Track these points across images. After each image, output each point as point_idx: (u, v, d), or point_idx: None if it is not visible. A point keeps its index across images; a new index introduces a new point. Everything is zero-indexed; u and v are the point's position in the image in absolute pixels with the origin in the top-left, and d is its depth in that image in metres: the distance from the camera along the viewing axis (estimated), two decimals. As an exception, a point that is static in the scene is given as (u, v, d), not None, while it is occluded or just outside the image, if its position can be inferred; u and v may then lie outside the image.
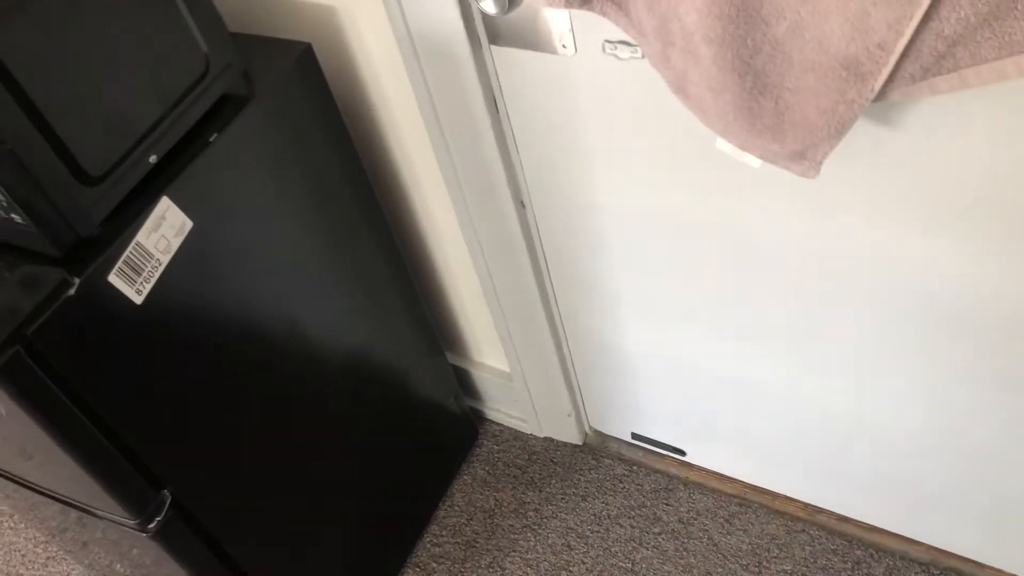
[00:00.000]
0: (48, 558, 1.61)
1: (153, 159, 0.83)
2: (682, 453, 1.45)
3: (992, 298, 0.85)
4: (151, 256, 0.84)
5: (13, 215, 0.75)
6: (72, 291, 0.77)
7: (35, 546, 1.63)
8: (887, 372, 1.02)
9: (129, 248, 0.81)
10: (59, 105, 0.73)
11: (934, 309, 0.90)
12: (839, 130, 0.66)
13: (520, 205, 1.11)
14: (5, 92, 0.69)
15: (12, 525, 1.67)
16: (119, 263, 0.81)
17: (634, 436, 1.49)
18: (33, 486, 1.05)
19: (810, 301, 0.99)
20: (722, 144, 0.76)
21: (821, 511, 1.36)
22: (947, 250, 0.83)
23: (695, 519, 1.40)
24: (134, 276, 0.82)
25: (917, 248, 0.85)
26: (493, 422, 1.60)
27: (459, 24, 0.90)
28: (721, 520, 1.39)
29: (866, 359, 1.02)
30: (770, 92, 0.66)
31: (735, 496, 1.41)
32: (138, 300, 0.83)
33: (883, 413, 1.09)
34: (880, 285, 0.92)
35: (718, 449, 1.38)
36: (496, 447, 1.57)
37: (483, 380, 1.52)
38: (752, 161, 0.76)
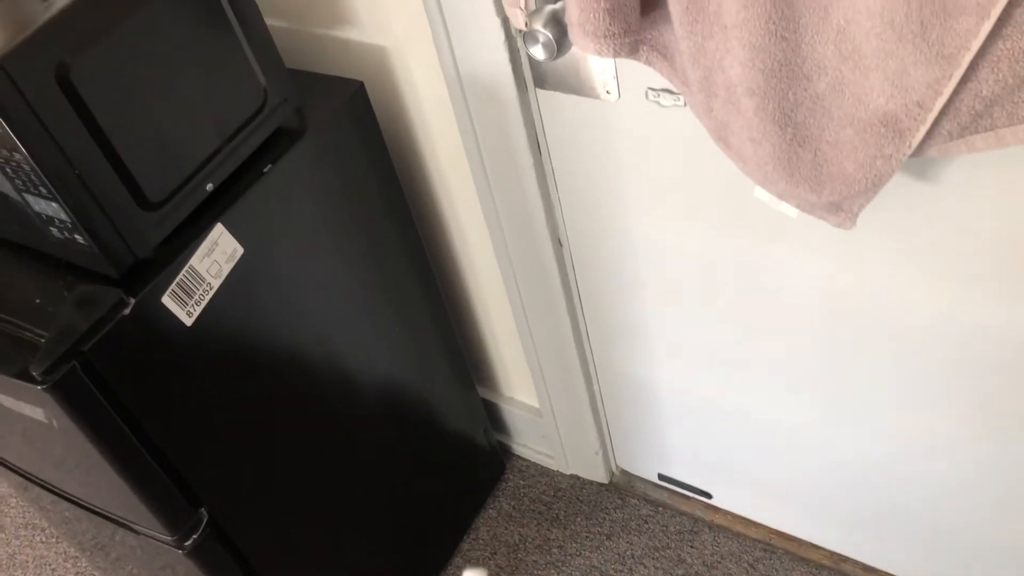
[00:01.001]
0: (77, 573, 1.63)
1: (210, 187, 0.87)
2: (708, 496, 1.45)
3: (1025, 353, 0.86)
4: (203, 280, 0.87)
5: (76, 236, 0.78)
6: (127, 311, 0.81)
7: (65, 560, 1.66)
8: (918, 420, 1.02)
9: (183, 272, 0.84)
10: (126, 133, 0.77)
11: (967, 359, 0.91)
12: (876, 184, 0.68)
13: (557, 243, 1.14)
14: (77, 120, 0.73)
15: (44, 539, 1.70)
16: (173, 285, 0.84)
17: (661, 477, 1.49)
18: (72, 498, 1.08)
19: (842, 347, 1.00)
20: (760, 193, 0.78)
21: (846, 560, 1.35)
22: (982, 302, 0.84)
23: (719, 563, 1.40)
24: (186, 299, 0.85)
25: (952, 299, 0.86)
26: (520, 457, 1.61)
27: (507, 67, 0.93)
28: (745, 565, 1.39)
29: (897, 407, 1.03)
30: (809, 144, 0.68)
31: (760, 541, 1.41)
32: (188, 322, 0.86)
33: (913, 461, 1.09)
34: (913, 334, 0.92)
35: (745, 493, 1.38)
36: (522, 482, 1.57)
37: (512, 415, 1.54)
38: (789, 210, 0.77)
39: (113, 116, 0.76)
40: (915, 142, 0.63)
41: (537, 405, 1.49)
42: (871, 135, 0.65)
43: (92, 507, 1.05)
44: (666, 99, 0.87)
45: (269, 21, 1.08)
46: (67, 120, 0.73)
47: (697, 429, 1.31)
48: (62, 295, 0.83)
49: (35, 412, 0.83)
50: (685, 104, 0.85)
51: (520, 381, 1.47)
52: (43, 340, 0.79)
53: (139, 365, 0.84)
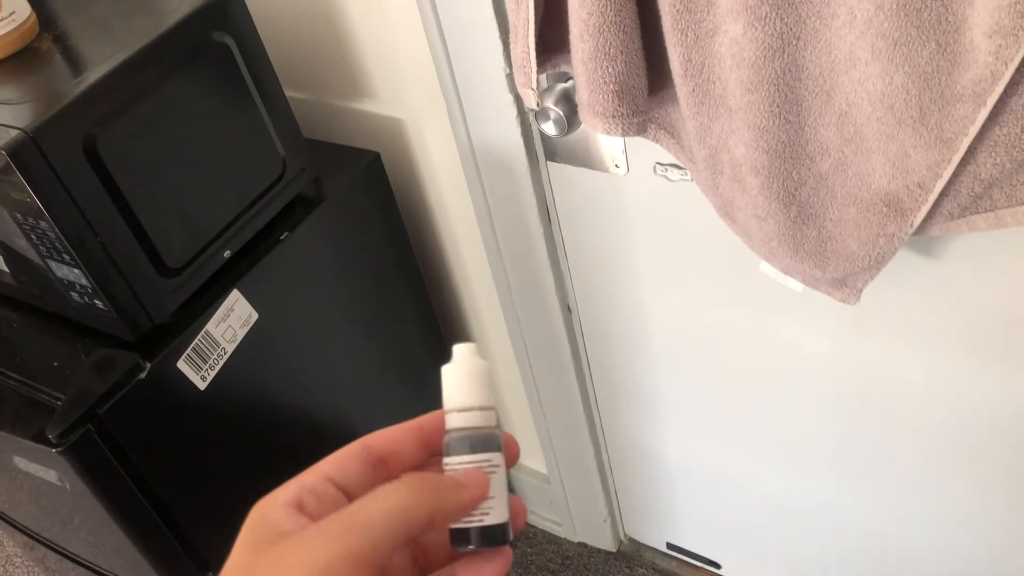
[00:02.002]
0: (79, 635, 1.62)
1: (227, 254, 0.89)
2: (717, 566, 1.43)
3: (1033, 428, 0.86)
4: (218, 345, 0.88)
5: (96, 301, 0.80)
6: (143, 375, 0.82)
7: (68, 622, 1.64)
8: (928, 496, 1.02)
9: (199, 337, 0.86)
10: (148, 202, 0.80)
11: (978, 435, 0.91)
12: (879, 261, 0.69)
13: (567, 310, 1.15)
14: (102, 189, 0.76)
15: (47, 599, 1.69)
16: (188, 350, 0.85)
17: (669, 546, 1.48)
18: (78, 559, 1.08)
19: (852, 421, 1.00)
20: (766, 267, 0.80)
21: (859, 636, 1.33)
22: (990, 379, 0.85)
23: (729, 636, 1.37)
24: (200, 363, 0.87)
25: (959, 375, 0.87)
26: (527, 524, 1.60)
27: (519, 141, 0.95)
28: (756, 639, 1.36)
29: (907, 480, 1.02)
30: (813, 222, 0.69)
31: (771, 615, 1.38)
32: (202, 386, 0.88)
33: (925, 534, 1.08)
34: (922, 409, 0.93)
35: (754, 564, 1.36)
36: (529, 549, 1.56)
37: (519, 480, 1.53)
38: (795, 285, 0.79)
39: (137, 186, 0.78)
40: (917, 221, 0.65)
41: (545, 471, 1.49)
42: (874, 214, 0.66)
43: (98, 568, 1.05)
44: (674, 173, 0.89)
45: (289, 93, 1.12)
46: (92, 190, 0.75)
47: (706, 498, 1.31)
48: (79, 358, 0.85)
49: (48, 474, 0.84)
50: (692, 179, 0.87)
51: (528, 446, 1.47)
52: (59, 403, 0.80)
53: (152, 428, 0.85)
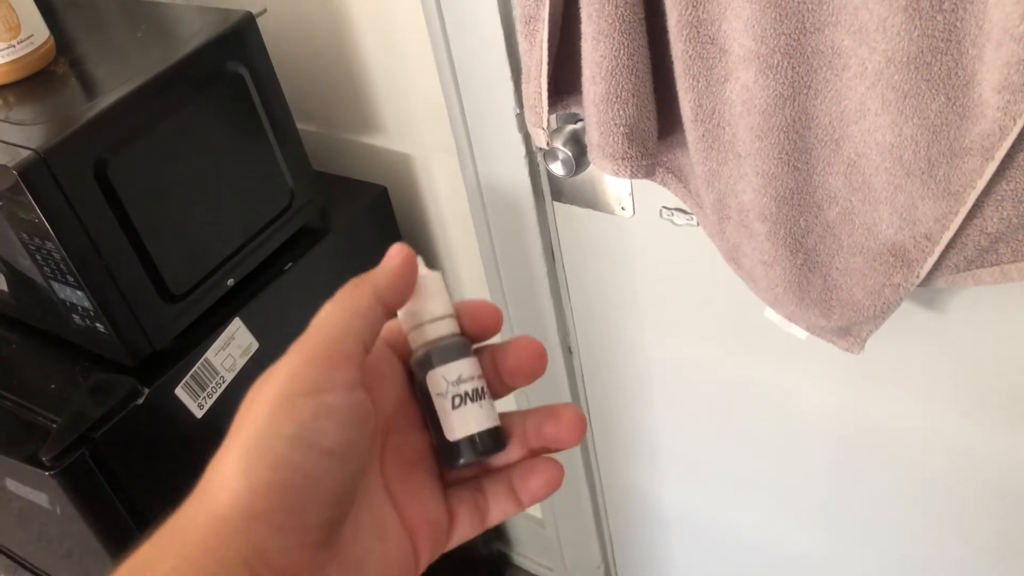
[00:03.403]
0: (59, 666, 1.58)
1: (231, 282, 0.89)
2: (711, 618, 1.41)
3: (1035, 486, 0.85)
4: (216, 373, 0.88)
5: (97, 324, 0.80)
6: (141, 400, 0.81)
7: (48, 652, 1.61)
8: (928, 552, 1.01)
9: (198, 364, 0.86)
10: (155, 228, 0.80)
11: (978, 492, 0.90)
12: (884, 311, 0.69)
13: (567, 351, 1.15)
14: (110, 213, 0.76)
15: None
16: (187, 377, 0.85)
17: (663, 595, 1.45)
18: (64, 588, 1.06)
19: (852, 471, 0.99)
20: (771, 313, 0.80)
21: None
22: (992, 434, 0.84)
23: None
24: (199, 391, 0.86)
25: (961, 430, 0.86)
26: (520, 568, 1.58)
27: (526, 181, 0.96)
28: None
29: (907, 535, 1.01)
30: (819, 270, 0.69)
31: (764, 670, 1.36)
32: (199, 414, 0.87)
33: (922, 595, 1.06)
34: (920, 463, 0.92)
35: (749, 617, 1.34)
36: (521, 594, 1.54)
37: (513, 524, 1.52)
38: (799, 332, 0.78)
39: (144, 211, 0.79)
40: (923, 273, 0.65)
41: (540, 515, 1.47)
42: (880, 264, 0.66)
43: (83, 598, 1.03)
44: (680, 218, 0.89)
45: (300, 125, 1.13)
46: (100, 213, 0.75)
47: (702, 547, 1.29)
48: (77, 381, 0.84)
49: (39, 497, 0.83)
50: (698, 224, 0.87)
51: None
52: (55, 426, 0.80)
53: (147, 455, 0.84)
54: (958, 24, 0.53)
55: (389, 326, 0.37)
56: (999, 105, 0.54)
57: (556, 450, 0.38)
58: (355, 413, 0.32)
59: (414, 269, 0.36)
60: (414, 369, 0.37)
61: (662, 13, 0.65)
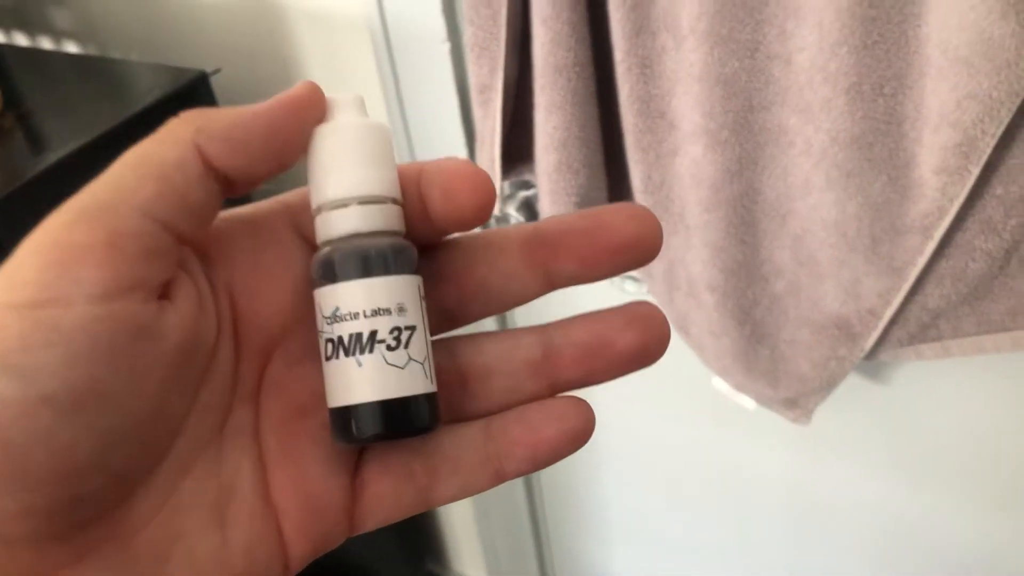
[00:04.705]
0: None
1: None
2: None
3: (991, 558, 0.86)
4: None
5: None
6: None
7: None
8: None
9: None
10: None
11: (928, 562, 0.91)
12: (830, 383, 0.70)
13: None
14: None
15: None
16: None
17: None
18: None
19: (803, 542, 0.99)
20: (718, 383, 0.80)
21: None
22: (939, 505, 0.85)
23: None
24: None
25: (909, 500, 0.87)
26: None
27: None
28: None
29: (853, 608, 1.01)
30: (767, 341, 0.70)
31: None
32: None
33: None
34: (874, 533, 0.92)
35: None
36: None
37: (461, 590, 1.48)
38: (747, 403, 0.79)
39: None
40: (867, 346, 0.66)
41: (487, 581, 1.44)
42: (826, 337, 0.67)
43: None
44: (630, 285, 0.90)
45: (252, 183, 1.12)
46: None
47: (651, 617, 1.27)
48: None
49: None
50: (648, 292, 0.88)
51: (470, 555, 1.43)
52: None
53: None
54: (898, 108, 0.55)
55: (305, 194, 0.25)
56: (938, 186, 0.56)
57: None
58: (107, 339, 0.20)
59: (302, 107, 0.23)
60: (321, 265, 0.24)
61: (614, 87, 0.66)
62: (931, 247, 0.58)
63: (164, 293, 0.22)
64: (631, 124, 0.66)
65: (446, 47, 0.85)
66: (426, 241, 0.25)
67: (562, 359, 0.25)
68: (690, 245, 0.68)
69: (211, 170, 0.22)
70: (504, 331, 0.26)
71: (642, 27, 0.61)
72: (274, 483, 0.24)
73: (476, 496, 0.26)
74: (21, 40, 1.10)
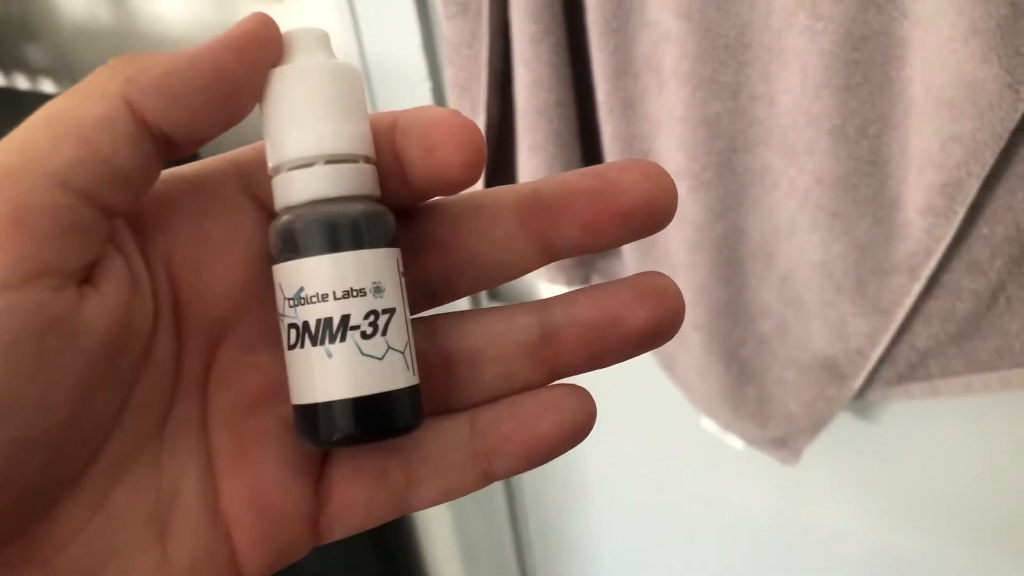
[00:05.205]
0: None
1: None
2: None
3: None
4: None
5: None
6: None
7: None
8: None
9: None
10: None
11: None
12: (818, 423, 0.69)
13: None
14: None
15: None
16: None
17: None
18: None
19: (789, 580, 0.98)
20: (706, 423, 0.79)
21: None
22: (927, 545, 0.84)
23: None
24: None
25: (899, 540, 0.86)
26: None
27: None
28: None
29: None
30: (754, 382, 0.69)
31: None
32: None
33: None
34: (862, 571, 0.91)
35: None
36: None
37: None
38: (735, 442, 0.78)
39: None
40: (855, 386, 0.65)
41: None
42: (814, 377, 0.66)
43: None
44: (616, 323, 0.89)
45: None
46: None
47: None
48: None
49: None
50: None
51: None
52: None
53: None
54: (883, 149, 0.55)
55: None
56: (924, 227, 0.55)
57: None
58: (9, 336, 0.17)
59: (253, 45, 0.19)
60: (280, 236, 0.20)
61: (597, 127, 0.66)
62: (918, 287, 0.58)
63: (87, 277, 0.18)
64: (614, 164, 0.65)
65: (427, 85, 0.85)
66: (403, 206, 0.21)
67: (564, 341, 0.22)
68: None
69: (145, 128, 0.18)
70: (496, 308, 0.23)
71: (624, 69, 0.61)
72: (224, 489, 0.21)
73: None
74: (-4, 79, 1.09)
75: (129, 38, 0.98)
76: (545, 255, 0.22)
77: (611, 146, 0.64)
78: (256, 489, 0.21)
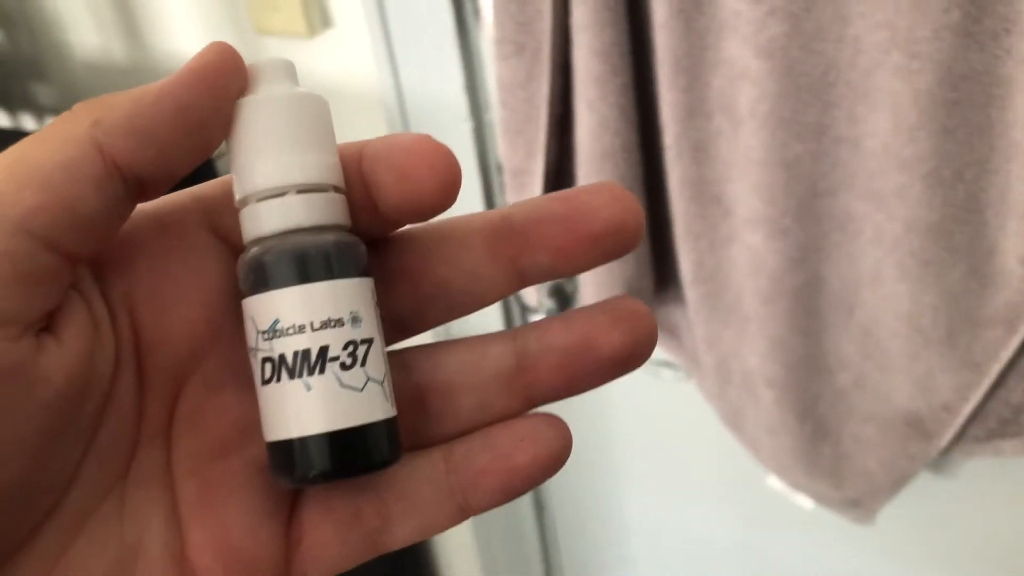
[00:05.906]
0: None
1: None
2: None
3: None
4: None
5: None
6: None
7: None
8: None
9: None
10: None
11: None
12: (899, 482, 0.65)
13: (539, 507, 1.08)
14: None
15: None
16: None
17: None
18: None
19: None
20: (774, 482, 0.75)
21: None
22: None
23: None
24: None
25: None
26: None
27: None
28: None
29: None
30: (830, 439, 0.65)
31: None
32: None
33: None
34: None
35: None
36: None
37: None
38: (805, 502, 0.74)
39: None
40: (942, 444, 0.61)
41: None
42: (895, 433, 0.62)
43: None
44: (666, 373, 0.85)
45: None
46: None
47: None
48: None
49: None
50: (688, 377, 0.83)
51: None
52: None
53: None
54: (980, 194, 0.52)
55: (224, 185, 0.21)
56: (1023, 275, 0.52)
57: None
58: None
59: (217, 77, 0.19)
60: (249, 267, 0.20)
61: (662, 171, 0.63)
62: (1017, 341, 0.54)
63: (46, 325, 0.18)
64: (681, 210, 0.62)
65: (467, 126, 0.82)
66: (371, 236, 0.21)
67: (540, 367, 0.21)
68: (745, 337, 0.64)
69: (115, 170, 0.18)
70: (468, 339, 0.22)
71: (696, 109, 0.58)
72: (191, 538, 0.20)
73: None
74: (1, 120, 1.05)
75: (143, 75, 0.95)
76: (516, 281, 0.22)
77: (679, 191, 0.61)
78: (224, 536, 0.20)
